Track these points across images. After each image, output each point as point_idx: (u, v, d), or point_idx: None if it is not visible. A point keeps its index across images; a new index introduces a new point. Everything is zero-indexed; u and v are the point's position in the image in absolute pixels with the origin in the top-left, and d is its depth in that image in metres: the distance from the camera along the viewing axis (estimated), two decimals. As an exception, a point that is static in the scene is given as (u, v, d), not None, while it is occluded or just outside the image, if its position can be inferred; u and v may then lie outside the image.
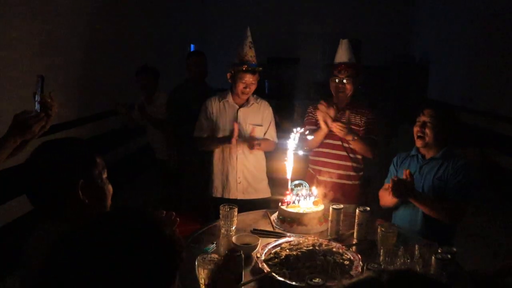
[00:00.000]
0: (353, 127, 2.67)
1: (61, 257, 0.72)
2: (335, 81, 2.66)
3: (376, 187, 2.50)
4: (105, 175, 1.31)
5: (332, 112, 2.54)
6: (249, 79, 2.59)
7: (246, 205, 2.52)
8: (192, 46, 8.71)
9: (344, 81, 2.63)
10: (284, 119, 4.53)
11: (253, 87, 2.64)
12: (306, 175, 2.83)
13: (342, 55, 2.71)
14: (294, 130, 2.33)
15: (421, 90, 7.74)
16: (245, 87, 2.61)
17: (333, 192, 2.67)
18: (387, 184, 2.33)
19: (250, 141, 2.60)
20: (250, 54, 2.61)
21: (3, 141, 1.49)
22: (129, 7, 5.24)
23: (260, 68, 2.65)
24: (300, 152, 2.36)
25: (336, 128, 2.52)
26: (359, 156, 2.74)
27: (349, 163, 2.71)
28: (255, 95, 2.77)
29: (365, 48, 8.60)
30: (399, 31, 8.34)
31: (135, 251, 0.75)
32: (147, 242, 0.77)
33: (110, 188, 1.32)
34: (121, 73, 5.10)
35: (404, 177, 2.11)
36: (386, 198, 2.26)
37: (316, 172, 2.78)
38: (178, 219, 1.30)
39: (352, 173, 2.74)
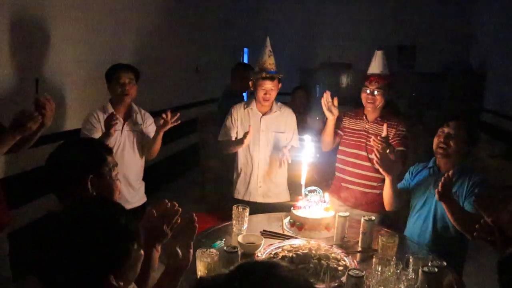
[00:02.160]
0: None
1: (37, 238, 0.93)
2: (366, 92, 2.70)
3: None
4: (115, 172, 1.51)
5: (335, 101, 2.66)
6: (269, 86, 2.71)
7: (265, 208, 2.65)
8: (245, 49, 8.94)
9: (375, 92, 2.66)
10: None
11: (274, 94, 2.76)
12: (332, 182, 2.89)
13: (374, 66, 2.74)
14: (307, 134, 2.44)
15: (477, 99, 7.35)
16: (265, 94, 2.73)
17: (357, 201, 2.72)
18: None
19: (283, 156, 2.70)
20: (269, 61, 2.74)
21: (3, 137, 1.75)
22: (182, 10, 5.53)
23: (280, 75, 2.76)
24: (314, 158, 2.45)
25: (374, 143, 2.50)
26: None
27: (373, 174, 2.73)
28: (279, 103, 2.88)
29: (420, 54, 8.31)
30: (457, 37, 7.93)
31: (86, 234, 0.94)
32: (96, 227, 0.96)
33: (118, 184, 1.52)
34: (173, 76, 5.43)
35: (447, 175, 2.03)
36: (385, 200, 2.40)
37: (340, 180, 2.83)
38: (180, 209, 1.44)
39: (376, 184, 2.76)
